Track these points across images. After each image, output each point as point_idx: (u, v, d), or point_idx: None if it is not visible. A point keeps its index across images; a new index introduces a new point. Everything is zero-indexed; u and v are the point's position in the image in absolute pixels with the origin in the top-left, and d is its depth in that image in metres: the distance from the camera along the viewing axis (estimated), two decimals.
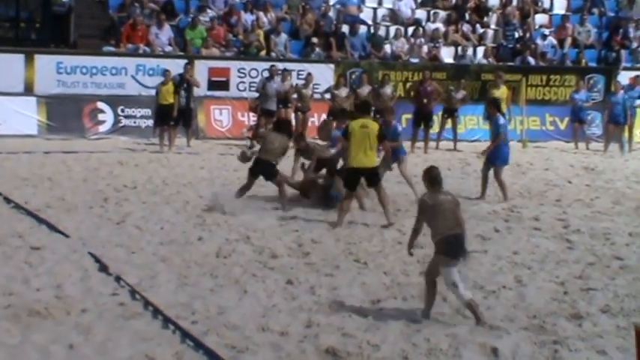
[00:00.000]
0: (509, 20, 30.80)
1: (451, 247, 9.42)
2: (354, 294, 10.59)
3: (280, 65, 25.35)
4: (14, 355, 8.47)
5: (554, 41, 30.33)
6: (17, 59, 24.00)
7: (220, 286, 10.78)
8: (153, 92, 24.53)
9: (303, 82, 25.26)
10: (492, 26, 31.04)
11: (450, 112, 25.64)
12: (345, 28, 28.62)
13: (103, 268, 11.34)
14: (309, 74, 25.20)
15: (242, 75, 26.04)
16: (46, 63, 23.98)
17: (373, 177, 14.50)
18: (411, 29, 29.61)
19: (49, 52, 24.97)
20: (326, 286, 10.88)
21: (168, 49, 26.16)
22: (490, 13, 31.37)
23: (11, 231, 13.11)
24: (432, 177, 9.70)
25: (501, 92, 24.66)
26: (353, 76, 26.65)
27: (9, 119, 23.14)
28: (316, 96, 25.30)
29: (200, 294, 10.42)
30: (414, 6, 30.80)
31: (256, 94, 24.68)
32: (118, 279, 10.88)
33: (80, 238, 12.86)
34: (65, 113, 23.80)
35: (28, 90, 23.83)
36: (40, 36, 26.53)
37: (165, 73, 23.01)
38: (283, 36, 27.47)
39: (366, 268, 11.87)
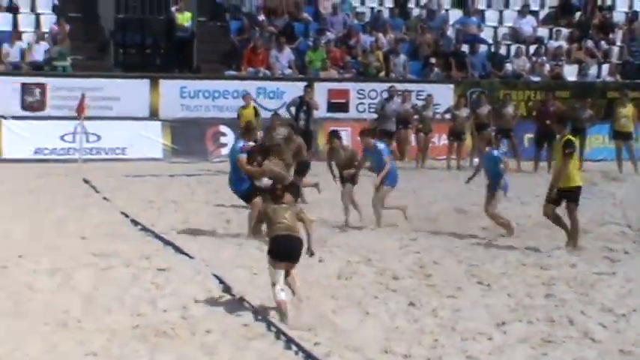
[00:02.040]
0: (635, 36, 30.12)
1: None
2: (477, 316, 10.45)
3: (399, 86, 25.32)
4: None
5: None
6: (143, 84, 24.61)
7: (342, 308, 10.78)
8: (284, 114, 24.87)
9: (423, 103, 25.16)
10: (618, 43, 30.39)
11: (578, 131, 25.09)
12: (465, 48, 28.43)
13: (227, 289, 11.48)
14: (430, 96, 25.09)
15: (361, 96, 26.11)
16: (170, 88, 24.51)
17: None
18: (532, 47, 29.24)
19: (173, 76, 25.53)
20: (449, 308, 10.77)
21: (288, 71, 26.44)
22: (615, 30, 30.72)
23: (139, 253, 13.39)
24: None
25: (627, 110, 24.10)
26: (473, 96, 26.44)
27: (135, 143, 23.72)
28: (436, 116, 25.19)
29: (322, 315, 10.42)
30: (535, 24, 30.42)
31: (375, 115, 24.69)
32: (241, 300, 10.99)
33: (204, 260, 13.04)
34: (188, 137, 24.27)
35: (153, 114, 24.40)
36: (165, 61, 27.13)
37: (245, 96, 23.31)
38: (402, 57, 27.46)
39: (489, 289, 11.71)
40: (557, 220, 14.00)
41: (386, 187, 15.47)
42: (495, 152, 15.19)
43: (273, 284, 10.18)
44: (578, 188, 13.93)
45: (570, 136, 14.02)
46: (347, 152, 16.55)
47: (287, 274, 10.28)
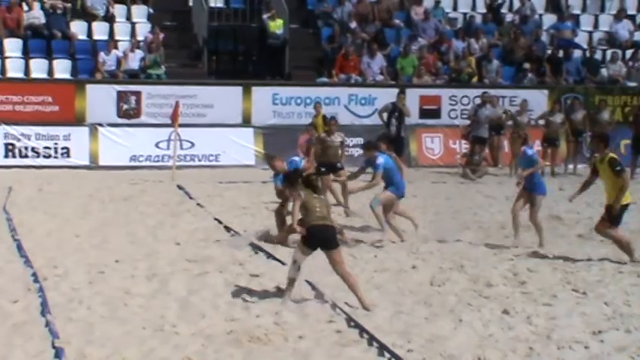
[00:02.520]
0: None
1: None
2: (573, 324, 10.28)
3: (492, 92, 25.09)
4: None
5: None
6: (235, 91, 24.85)
7: (435, 315, 10.72)
8: (365, 122, 24.90)
9: (517, 108, 24.86)
10: None
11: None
12: (559, 53, 28.04)
13: (319, 295, 11.49)
14: (525, 101, 24.79)
15: (453, 102, 25.96)
16: (262, 94, 24.71)
17: None
18: (629, 52, 28.70)
19: (266, 84, 25.72)
20: (543, 316, 10.62)
21: (380, 78, 26.42)
22: None
23: (232, 259, 13.51)
24: None
25: None
26: (568, 102, 26.05)
27: (228, 150, 23.96)
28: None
29: (415, 322, 10.39)
30: (632, 28, 29.84)
31: (468, 122, 24.51)
32: (333, 306, 11.00)
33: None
34: (280, 143, 24.37)
35: (246, 121, 24.62)
36: (257, 68, 27.37)
37: (315, 106, 23.34)
38: (495, 62, 27.21)
39: (585, 297, 11.52)
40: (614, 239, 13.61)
41: (389, 193, 14.97)
42: (530, 152, 14.79)
43: (294, 262, 11.03)
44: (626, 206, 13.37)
45: (613, 154, 13.47)
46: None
47: (333, 263, 11.04)
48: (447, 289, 11.94)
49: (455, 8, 29.87)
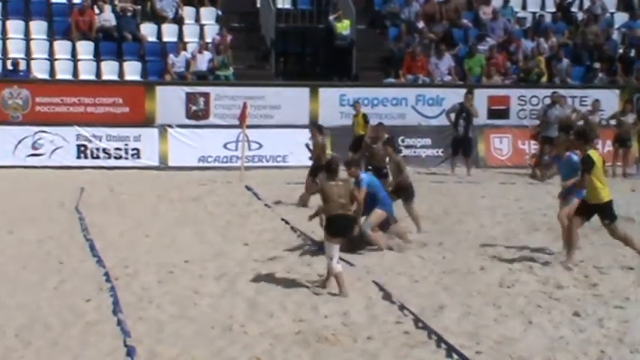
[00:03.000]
0: None
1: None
2: None
3: (562, 92, 24.82)
4: None
5: None
6: (303, 93, 24.92)
7: (504, 316, 10.64)
8: (433, 122, 24.82)
9: (589, 108, 24.55)
10: None
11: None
12: (631, 52, 27.63)
13: (387, 296, 11.48)
14: (597, 101, 24.46)
15: (522, 102, 25.72)
16: (329, 96, 24.74)
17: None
18: None
19: (333, 85, 25.75)
20: (616, 319, 10.48)
21: (447, 78, 26.29)
22: None
23: (300, 259, 13.55)
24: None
25: None
26: None
27: (295, 151, 24.00)
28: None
29: (484, 323, 10.32)
30: None
31: (537, 122, 24.27)
32: (401, 307, 10.98)
33: (364, 267, 13.09)
34: (347, 144, 24.38)
35: (312, 122, 24.61)
36: (324, 69, 27.41)
37: (354, 104, 23.24)
38: (565, 61, 26.91)
39: None
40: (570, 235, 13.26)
41: (378, 212, 14.23)
42: (575, 158, 13.77)
43: (330, 258, 11.50)
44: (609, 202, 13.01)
45: (590, 152, 13.03)
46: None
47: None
48: (517, 290, 11.84)
49: (524, 7, 29.58)
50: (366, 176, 14.28)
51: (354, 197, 11.86)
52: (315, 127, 19.32)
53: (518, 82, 26.55)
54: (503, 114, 25.62)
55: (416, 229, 15.49)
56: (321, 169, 17.47)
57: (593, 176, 12.87)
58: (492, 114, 25.47)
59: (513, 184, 22.08)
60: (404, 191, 15.62)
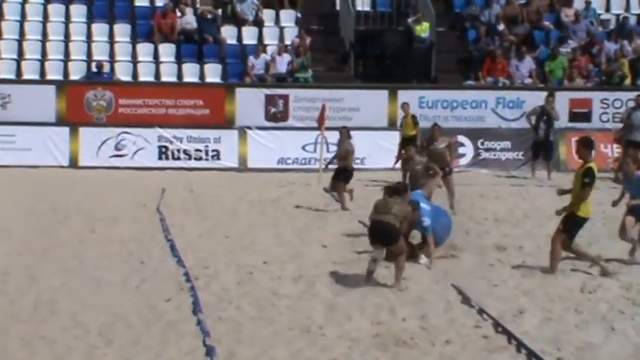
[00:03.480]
0: None
1: None
2: None
3: None
4: None
5: None
6: (382, 95, 24.90)
7: (586, 322, 10.49)
8: (513, 125, 24.60)
9: None
10: None
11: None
12: None
13: (466, 300, 11.41)
14: None
15: (605, 105, 25.33)
16: (408, 98, 24.64)
17: None
18: None
19: (412, 87, 25.66)
20: None
21: (528, 81, 26.02)
22: None
23: (379, 262, 13.51)
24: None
25: None
26: None
27: (374, 153, 23.99)
28: None
29: (565, 329, 10.19)
30: None
31: (620, 125, 23.88)
32: (480, 311, 10.89)
33: (443, 270, 13.02)
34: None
35: (392, 124, 24.57)
36: (403, 72, 27.34)
37: (402, 106, 23.08)
38: None
39: None
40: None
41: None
42: None
43: (373, 259, 11.96)
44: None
45: (592, 165, 12.66)
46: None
47: (390, 256, 12.02)
48: (598, 296, 11.67)
49: (607, 9, 29.10)
50: (427, 217, 13.24)
51: (407, 218, 12.18)
52: (345, 130, 19.22)
53: (600, 84, 26.15)
54: (585, 117, 25.27)
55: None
56: (346, 173, 17.96)
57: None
58: (574, 117, 25.13)
59: (596, 188, 21.70)
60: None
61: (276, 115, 24.64)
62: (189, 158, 23.95)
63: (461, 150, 24.64)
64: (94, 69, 25.00)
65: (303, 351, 9.55)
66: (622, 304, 11.22)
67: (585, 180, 12.53)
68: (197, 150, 23.98)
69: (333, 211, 18.13)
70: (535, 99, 24.02)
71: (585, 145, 12.87)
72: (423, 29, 26.67)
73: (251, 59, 25.64)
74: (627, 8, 29.17)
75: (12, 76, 24.89)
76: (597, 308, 11.05)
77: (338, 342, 9.85)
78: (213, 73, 25.78)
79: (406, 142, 21.71)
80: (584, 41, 27.27)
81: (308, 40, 26.17)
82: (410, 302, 11.41)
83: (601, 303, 11.28)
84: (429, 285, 12.21)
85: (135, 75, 25.55)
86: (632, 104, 24.11)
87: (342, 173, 18.34)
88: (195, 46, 26.18)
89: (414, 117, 22.84)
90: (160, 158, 23.86)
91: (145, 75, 25.54)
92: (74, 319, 10.66)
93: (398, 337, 9.91)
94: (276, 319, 10.67)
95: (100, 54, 25.75)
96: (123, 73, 25.48)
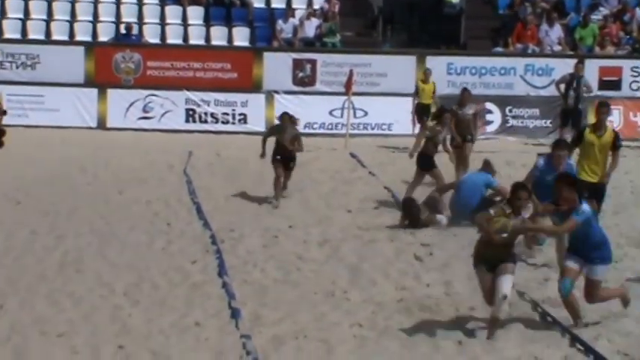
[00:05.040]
0: None
1: None
2: None
3: None
4: (406, 346, 8.75)
5: None
6: (409, 61, 24.74)
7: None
8: (542, 93, 24.39)
9: None
10: None
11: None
12: None
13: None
14: None
15: (635, 74, 25.08)
16: (437, 64, 24.50)
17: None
18: None
19: (440, 53, 25.50)
20: None
21: (557, 48, 25.80)
22: None
23: (403, 227, 13.51)
24: None
25: None
26: None
27: (401, 119, 23.89)
28: None
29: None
30: None
31: None
32: None
33: (468, 237, 12.99)
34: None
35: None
36: (432, 37, 27.17)
37: (425, 71, 22.81)
38: None
39: None
40: None
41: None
42: None
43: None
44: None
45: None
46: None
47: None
48: (625, 265, 11.60)
49: None
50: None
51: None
52: (286, 116, 16.31)
53: (631, 52, 25.89)
54: (615, 85, 25.03)
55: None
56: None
57: None
58: (603, 85, 24.90)
59: (624, 156, 21.45)
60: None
61: (304, 80, 24.57)
62: (217, 122, 23.96)
63: (489, 117, 24.51)
64: (123, 31, 24.99)
65: (327, 315, 9.60)
66: None
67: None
68: (224, 113, 23.98)
69: (359, 177, 18.11)
70: (564, 66, 23.79)
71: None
72: None
73: (279, 23, 25.55)
74: None
75: (41, 37, 24.94)
76: (621, 278, 10.98)
77: (362, 306, 9.90)
78: (241, 36, 25.72)
79: (422, 110, 21.65)
80: (616, 8, 26.96)
81: (337, 4, 26.02)
82: (434, 269, 11.43)
83: (626, 272, 11.22)
84: (454, 251, 12.21)
85: (163, 37, 25.53)
86: None
87: (293, 160, 15.97)
88: (223, 9, 26.11)
89: (434, 84, 22.69)
90: (187, 121, 23.89)
91: (173, 38, 25.52)
92: (100, 278, 10.77)
93: (422, 303, 9.93)
94: (300, 282, 10.73)
95: (128, 16, 25.74)
96: (151, 36, 25.47)
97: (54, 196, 15.32)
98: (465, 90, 18.24)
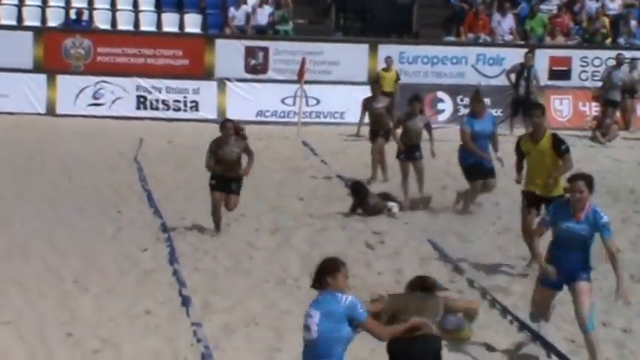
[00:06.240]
0: None
1: None
2: None
3: (627, 54, 24.39)
4: (360, 335, 8.75)
5: None
6: (362, 49, 24.76)
7: None
8: (493, 82, 24.51)
9: None
10: None
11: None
12: None
13: (442, 255, 11.46)
14: None
15: (585, 64, 25.33)
16: (389, 53, 24.51)
17: None
18: None
19: (392, 42, 25.55)
20: None
21: (509, 38, 25.97)
22: None
23: (355, 217, 13.54)
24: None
25: None
26: None
27: (353, 107, 23.76)
28: None
29: None
30: None
31: (599, 84, 23.92)
32: (456, 267, 10.95)
33: (419, 225, 13.06)
34: (406, 103, 24.22)
35: (371, 80, 24.48)
36: (384, 26, 27.19)
37: (386, 60, 22.89)
38: (632, 23, 26.39)
39: None
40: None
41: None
42: None
43: None
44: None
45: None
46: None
47: None
48: None
49: None
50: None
51: None
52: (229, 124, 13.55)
53: (581, 43, 26.13)
54: (565, 75, 25.27)
55: None
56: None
57: None
58: (553, 75, 25.13)
59: (573, 146, 21.64)
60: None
61: (256, 68, 24.49)
62: (168, 109, 23.80)
63: (440, 106, 24.62)
64: (73, 16, 24.71)
65: (279, 303, 9.59)
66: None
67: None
68: (176, 101, 23.83)
69: (311, 165, 18.11)
70: (515, 56, 23.96)
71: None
72: None
73: (231, 10, 25.42)
74: None
75: None
76: None
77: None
78: (193, 23, 25.54)
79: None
80: None
81: None
82: (385, 256, 11.46)
83: None
84: (405, 240, 12.26)
85: (114, 23, 25.27)
86: (612, 63, 24.14)
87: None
88: None
89: (397, 73, 22.72)
90: (138, 108, 23.70)
91: (124, 24, 25.27)
92: (48, 265, 10.66)
93: (373, 291, 9.93)
94: (252, 271, 10.71)
95: (78, 1, 25.42)
96: (102, 22, 25.20)
97: (1, 182, 15.12)
98: (415, 99, 15.96)
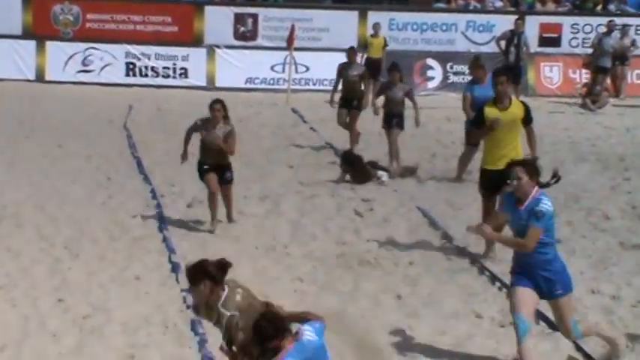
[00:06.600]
0: None
1: None
2: None
3: (618, 20, 24.38)
4: (346, 301, 8.82)
5: None
6: (352, 16, 24.70)
7: None
8: (483, 49, 24.44)
9: None
10: None
11: None
12: None
13: (431, 222, 11.50)
14: None
15: (575, 31, 25.31)
16: (379, 19, 24.44)
17: None
18: None
19: (382, 8, 25.48)
20: None
21: (499, 4, 25.91)
22: None
23: (344, 184, 13.56)
24: None
25: None
26: None
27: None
28: None
29: None
30: None
31: (590, 50, 23.91)
32: (445, 234, 10.99)
33: (408, 193, 13.09)
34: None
35: (361, 46, 24.43)
36: None
37: (374, 25, 22.91)
38: None
39: None
40: None
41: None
42: None
43: None
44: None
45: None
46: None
47: None
48: (562, 220, 11.77)
49: None
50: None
51: None
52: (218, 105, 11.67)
53: (572, 10, 26.09)
54: (555, 42, 25.25)
55: None
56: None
57: None
58: (543, 42, 25.10)
59: (562, 113, 21.85)
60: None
61: (245, 35, 24.41)
62: (157, 76, 23.73)
63: (430, 73, 24.60)
64: None
65: (268, 269, 9.63)
66: (584, 229, 11.35)
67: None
68: (165, 67, 23.76)
69: (300, 133, 18.10)
70: (506, 23, 23.91)
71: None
72: None
73: None
74: None
75: None
76: (559, 232, 11.09)
77: (302, 261, 9.94)
78: None
79: (372, 65, 21.49)
80: None
81: None
82: (375, 224, 11.49)
83: (563, 227, 11.38)
84: (394, 207, 12.28)
85: None
86: (603, 30, 24.12)
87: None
88: None
89: (385, 39, 22.65)
90: (127, 75, 23.64)
91: None
92: (39, 232, 10.67)
93: (362, 258, 10.00)
94: (241, 237, 10.73)
95: None
96: None
97: None
98: (393, 67, 15.58)
